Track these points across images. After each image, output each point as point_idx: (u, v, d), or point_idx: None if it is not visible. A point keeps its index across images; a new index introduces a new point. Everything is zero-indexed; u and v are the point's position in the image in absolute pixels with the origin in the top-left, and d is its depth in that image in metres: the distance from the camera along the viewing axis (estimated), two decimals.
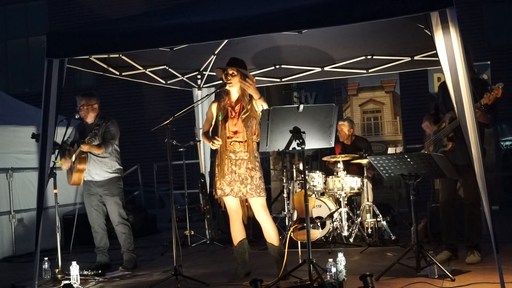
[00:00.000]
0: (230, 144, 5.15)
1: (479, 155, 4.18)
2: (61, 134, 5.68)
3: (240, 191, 5.13)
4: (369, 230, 7.16)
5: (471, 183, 5.22)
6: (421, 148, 5.84)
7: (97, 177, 6.16)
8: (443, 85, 5.67)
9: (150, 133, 6.65)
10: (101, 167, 6.14)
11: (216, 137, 5.16)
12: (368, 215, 7.17)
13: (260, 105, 5.04)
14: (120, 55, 6.45)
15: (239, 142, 5.14)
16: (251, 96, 5.14)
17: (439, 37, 4.19)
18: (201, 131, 8.32)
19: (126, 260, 6.19)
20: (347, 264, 4.96)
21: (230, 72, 5.15)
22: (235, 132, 5.15)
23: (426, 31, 5.05)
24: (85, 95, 6.21)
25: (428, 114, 5.74)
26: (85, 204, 6.29)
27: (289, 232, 5.71)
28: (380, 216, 6.99)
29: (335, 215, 6.98)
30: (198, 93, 8.31)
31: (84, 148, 5.89)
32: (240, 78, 5.12)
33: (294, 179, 7.31)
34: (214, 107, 5.30)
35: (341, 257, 4.85)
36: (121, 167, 6.31)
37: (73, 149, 6.08)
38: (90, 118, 6.19)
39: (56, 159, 5.78)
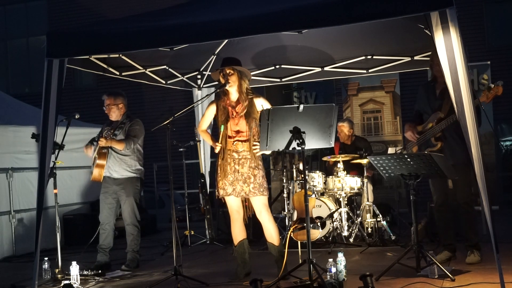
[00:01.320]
0: (232, 143, 5.15)
1: (479, 155, 4.18)
2: (61, 134, 5.68)
3: (242, 190, 5.13)
4: (369, 230, 7.16)
5: (463, 182, 5.23)
6: (402, 150, 5.82)
7: (115, 174, 6.16)
8: (426, 85, 5.68)
9: (150, 133, 6.64)
10: (120, 165, 6.14)
11: (217, 143, 5.18)
12: (368, 215, 7.16)
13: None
14: (120, 55, 6.45)
15: (241, 141, 5.14)
16: (250, 96, 5.15)
17: (439, 37, 4.19)
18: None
19: (129, 259, 6.20)
20: (347, 264, 4.96)
21: (227, 71, 5.16)
22: (237, 132, 5.16)
23: (426, 31, 5.04)
24: (111, 94, 6.24)
25: (408, 122, 5.66)
26: (100, 200, 6.30)
27: (289, 232, 5.71)
28: (380, 216, 6.99)
29: (335, 215, 6.98)
30: (198, 93, 8.32)
31: (102, 142, 5.91)
32: (237, 76, 5.13)
33: (294, 179, 7.31)
34: (213, 108, 5.30)
35: (341, 257, 4.85)
36: (142, 168, 6.30)
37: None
38: (115, 117, 6.21)
39: (56, 159, 5.78)
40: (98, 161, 6.04)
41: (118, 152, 6.11)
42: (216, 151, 5.23)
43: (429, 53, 6.80)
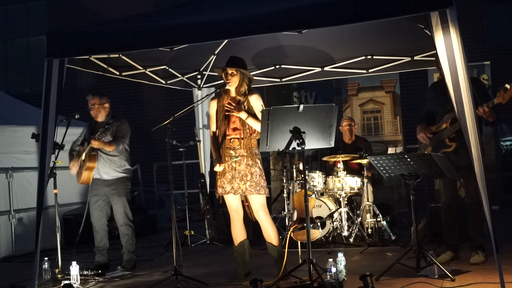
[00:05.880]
0: (229, 141, 5.16)
1: (479, 155, 4.18)
2: (61, 134, 5.68)
3: (239, 188, 5.14)
4: (369, 230, 7.15)
5: (475, 182, 5.22)
6: (417, 150, 5.82)
7: (105, 175, 6.15)
8: (436, 86, 5.65)
9: (150, 133, 6.64)
10: (110, 166, 6.13)
11: (219, 163, 5.16)
12: (368, 215, 7.16)
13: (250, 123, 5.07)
14: (120, 55, 6.45)
15: (238, 139, 5.15)
16: (247, 93, 5.15)
17: (439, 37, 4.19)
18: (201, 131, 8.36)
19: (126, 260, 6.18)
20: (347, 264, 4.96)
21: (230, 72, 5.17)
22: (234, 129, 5.18)
23: (426, 31, 5.05)
24: (96, 94, 6.21)
25: (420, 124, 5.66)
26: (90, 203, 6.28)
27: (289, 232, 5.71)
28: (380, 216, 6.99)
29: (335, 215, 6.98)
30: (198, 93, 8.32)
31: (94, 144, 5.89)
32: (239, 77, 5.14)
33: (294, 179, 7.31)
34: (214, 105, 5.31)
35: (341, 257, 4.85)
36: (130, 167, 6.30)
37: (82, 148, 6.09)
38: (100, 117, 6.19)
39: (56, 159, 5.77)
40: (88, 164, 5.99)
41: (107, 153, 6.10)
42: (216, 169, 5.21)
43: (429, 53, 6.82)
